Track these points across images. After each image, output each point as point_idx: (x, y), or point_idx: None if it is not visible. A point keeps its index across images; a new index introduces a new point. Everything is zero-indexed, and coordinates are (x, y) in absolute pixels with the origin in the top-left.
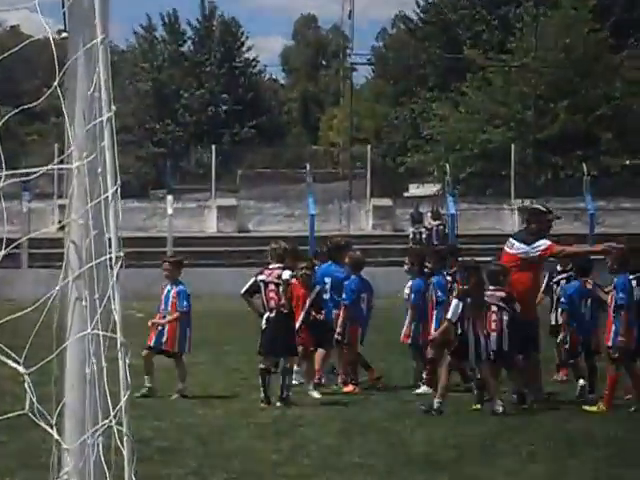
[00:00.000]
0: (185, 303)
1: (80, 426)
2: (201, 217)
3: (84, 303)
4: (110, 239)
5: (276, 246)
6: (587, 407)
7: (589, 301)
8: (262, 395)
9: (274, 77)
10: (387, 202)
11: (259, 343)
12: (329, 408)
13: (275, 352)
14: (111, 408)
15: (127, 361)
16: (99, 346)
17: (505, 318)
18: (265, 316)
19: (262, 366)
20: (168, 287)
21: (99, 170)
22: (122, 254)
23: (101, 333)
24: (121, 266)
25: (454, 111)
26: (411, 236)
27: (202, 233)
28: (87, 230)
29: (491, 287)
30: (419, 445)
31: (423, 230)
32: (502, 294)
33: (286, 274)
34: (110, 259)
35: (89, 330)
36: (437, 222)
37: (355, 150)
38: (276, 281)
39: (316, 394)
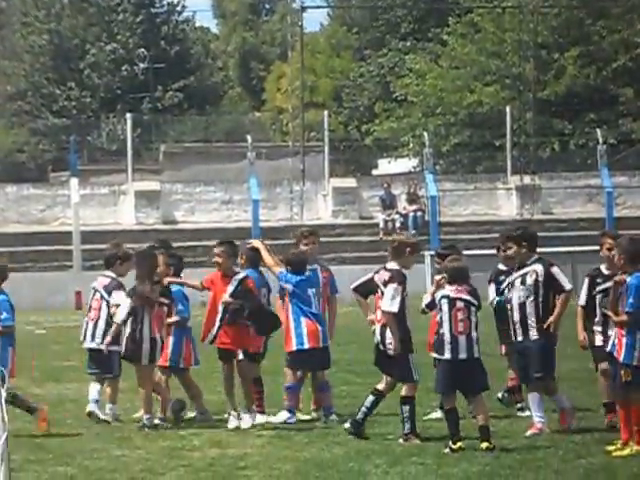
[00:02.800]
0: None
1: None
2: (115, 206)
3: None
4: None
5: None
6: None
7: None
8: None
9: (205, 25)
10: (351, 182)
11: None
12: (279, 446)
13: None
14: None
15: (3, 393)
16: None
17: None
18: None
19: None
20: None
21: None
22: None
23: None
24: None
25: (433, 65)
26: (382, 225)
27: (117, 226)
28: None
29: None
30: None
31: (397, 217)
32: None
33: None
34: None
35: None
36: (414, 207)
37: (309, 117)
38: None
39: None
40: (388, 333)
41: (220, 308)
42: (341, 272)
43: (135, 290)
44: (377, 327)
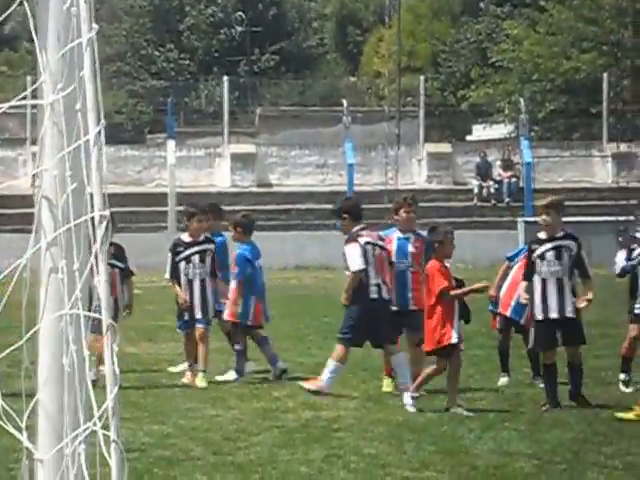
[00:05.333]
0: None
1: (56, 431)
2: (211, 168)
3: (60, 275)
4: (92, 194)
5: None
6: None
7: None
8: None
9: None
10: (445, 148)
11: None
12: (372, 409)
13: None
14: (96, 408)
15: (115, 348)
16: (79, 330)
17: None
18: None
19: None
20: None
21: (78, 106)
22: (108, 213)
23: (82, 313)
24: (107, 228)
25: (530, 32)
26: (476, 191)
27: (212, 188)
28: (63, 183)
29: None
30: (486, 455)
31: (491, 183)
32: None
33: None
34: (92, 220)
35: (66, 310)
36: (509, 173)
37: (405, 82)
38: None
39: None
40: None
41: None
42: None
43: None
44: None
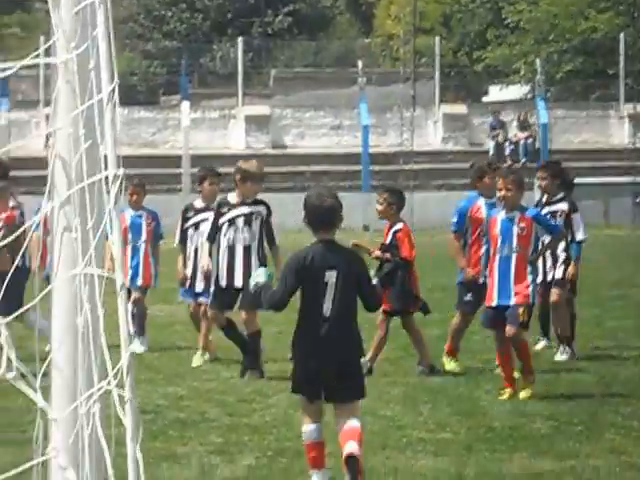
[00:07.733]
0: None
1: (70, 390)
2: (225, 130)
3: (74, 235)
4: (106, 154)
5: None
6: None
7: None
8: None
9: None
10: (461, 109)
11: None
12: (388, 371)
13: None
14: (110, 367)
15: (129, 308)
16: (93, 289)
17: None
18: None
19: None
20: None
21: (91, 65)
22: (122, 172)
23: (96, 272)
24: (121, 188)
25: None
26: (492, 152)
27: (226, 150)
28: (77, 142)
29: None
30: (503, 416)
31: (507, 144)
32: None
33: None
34: (106, 179)
35: (80, 269)
36: (525, 134)
37: (420, 43)
38: None
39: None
40: None
41: None
42: (450, 198)
43: None
44: None
